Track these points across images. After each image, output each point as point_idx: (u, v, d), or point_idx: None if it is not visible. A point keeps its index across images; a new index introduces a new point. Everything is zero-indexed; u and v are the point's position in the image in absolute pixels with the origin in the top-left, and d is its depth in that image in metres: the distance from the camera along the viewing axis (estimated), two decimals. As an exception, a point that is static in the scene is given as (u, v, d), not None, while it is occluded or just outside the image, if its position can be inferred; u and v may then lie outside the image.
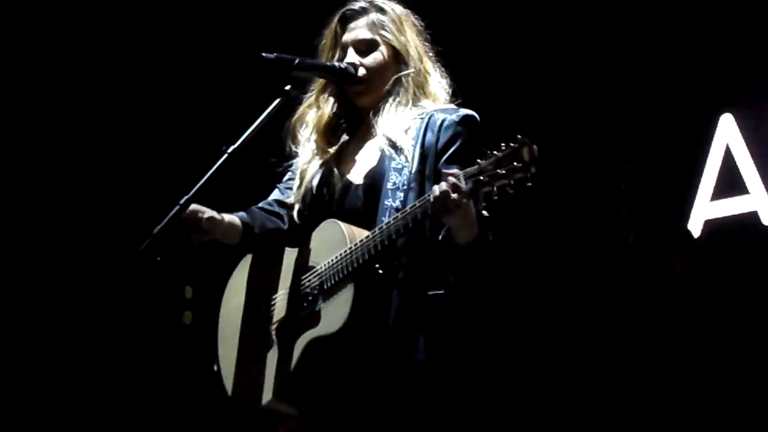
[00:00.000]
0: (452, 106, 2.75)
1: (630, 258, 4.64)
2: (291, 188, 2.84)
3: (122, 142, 4.77)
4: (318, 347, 2.57)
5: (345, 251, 2.55)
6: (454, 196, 2.39)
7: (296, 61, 2.70)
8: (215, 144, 2.66)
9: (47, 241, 4.68)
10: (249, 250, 2.85)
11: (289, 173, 2.89)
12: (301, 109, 2.85)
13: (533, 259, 4.68)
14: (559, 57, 4.71)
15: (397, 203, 2.59)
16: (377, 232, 2.51)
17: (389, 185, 2.63)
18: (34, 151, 4.70)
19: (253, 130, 2.64)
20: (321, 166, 2.79)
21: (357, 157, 2.78)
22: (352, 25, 2.79)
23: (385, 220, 2.54)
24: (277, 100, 2.69)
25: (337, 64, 2.77)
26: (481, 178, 2.36)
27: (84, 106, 4.76)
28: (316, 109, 2.83)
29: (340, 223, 2.61)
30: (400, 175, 2.63)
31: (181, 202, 2.56)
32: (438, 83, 2.79)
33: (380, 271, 2.54)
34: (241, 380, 2.73)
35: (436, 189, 2.42)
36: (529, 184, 2.34)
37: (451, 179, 2.40)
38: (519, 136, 2.35)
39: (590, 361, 4.61)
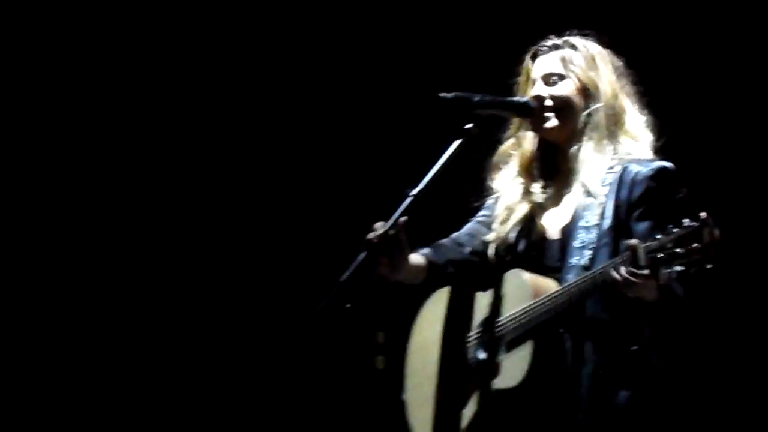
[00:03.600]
0: (649, 155, 2.70)
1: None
2: (487, 223, 2.83)
3: (308, 193, 4.83)
4: (497, 399, 2.58)
5: (528, 306, 2.56)
6: (633, 279, 2.38)
7: (475, 99, 2.66)
8: (398, 188, 2.65)
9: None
10: (436, 284, 2.84)
11: (485, 210, 2.87)
12: (502, 147, 2.86)
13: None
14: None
15: (585, 261, 2.57)
16: (561, 291, 2.52)
17: (576, 243, 2.61)
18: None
19: (436, 171, 2.62)
20: (526, 209, 2.77)
21: (555, 209, 2.76)
22: (542, 59, 2.79)
23: (570, 278, 2.53)
24: (459, 140, 2.65)
25: (517, 98, 2.76)
26: (660, 256, 2.33)
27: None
28: (517, 147, 2.83)
29: (526, 275, 2.61)
30: (589, 232, 2.60)
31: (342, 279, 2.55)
32: (635, 120, 2.73)
33: (562, 332, 2.53)
34: (427, 414, 2.74)
35: (615, 273, 2.40)
36: (710, 266, 2.30)
37: (627, 269, 2.38)
38: (702, 215, 2.31)
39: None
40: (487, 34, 4.63)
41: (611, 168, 2.66)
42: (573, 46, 2.78)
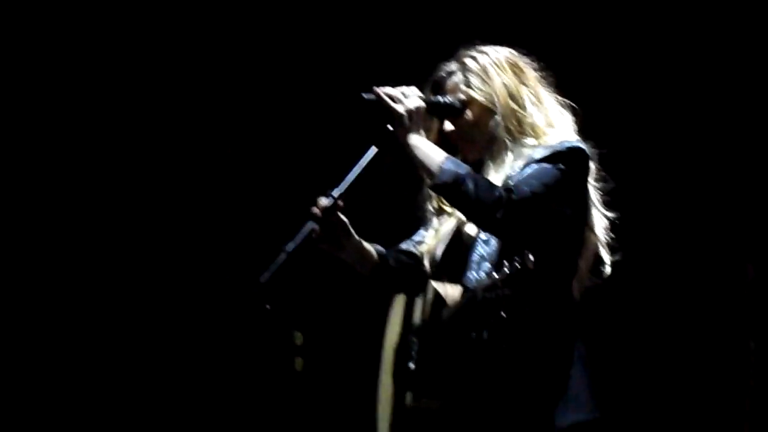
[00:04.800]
0: (564, 138, 2.64)
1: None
2: (422, 240, 2.83)
3: (228, 188, 4.82)
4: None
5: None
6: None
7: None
8: (322, 187, 2.64)
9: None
10: (379, 284, 2.82)
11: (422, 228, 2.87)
12: None
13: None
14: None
15: (482, 275, 2.54)
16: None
17: (474, 257, 2.60)
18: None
19: (357, 172, 2.60)
20: (453, 222, 2.74)
21: None
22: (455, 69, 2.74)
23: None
24: (370, 153, 2.63)
25: (441, 99, 2.69)
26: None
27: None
28: None
29: (438, 287, 2.56)
30: (488, 245, 2.58)
31: (289, 250, 2.52)
32: (539, 114, 2.66)
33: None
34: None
35: None
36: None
37: None
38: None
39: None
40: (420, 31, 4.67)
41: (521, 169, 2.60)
42: (464, 65, 2.70)
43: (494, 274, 2.36)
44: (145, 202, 4.78)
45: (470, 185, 2.47)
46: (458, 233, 2.71)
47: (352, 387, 2.85)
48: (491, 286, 2.35)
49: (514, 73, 2.68)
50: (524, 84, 2.68)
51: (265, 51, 4.82)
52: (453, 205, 2.63)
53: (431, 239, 2.79)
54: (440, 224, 2.79)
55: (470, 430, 2.47)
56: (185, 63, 4.81)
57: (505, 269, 2.33)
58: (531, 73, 2.72)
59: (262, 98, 4.82)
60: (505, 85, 2.65)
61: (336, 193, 2.58)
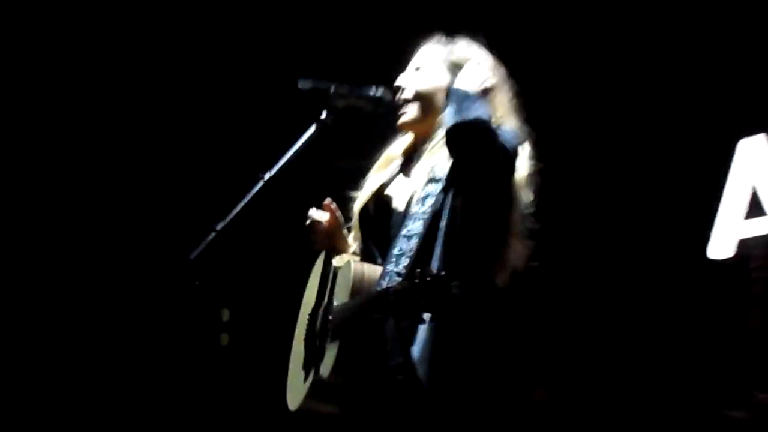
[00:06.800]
0: None
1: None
2: None
3: (159, 166, 4.84)
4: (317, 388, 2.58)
5: (344, 302, 2.54)
6: None
7: (332, 90, 2.73)
8: (253, 171, 2.70)
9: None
10: None
11: None
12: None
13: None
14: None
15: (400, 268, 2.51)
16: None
17: (395, 250, 2.56)
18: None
19: (289, 157, 2.69)
20: (380, 181, 2.82)
21: (405, 180, 2.77)
22: (423, 49, 2.79)
23: (383, 283, 2.49)
24: (312, 128, 2.72)
25: (373, 90, 2.75)
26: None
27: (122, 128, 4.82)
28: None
29: (355, 267, 2.56)
30: (410, 241, 2.54)
31: (218, 228, 2.60)
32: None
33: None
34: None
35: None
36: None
37: None
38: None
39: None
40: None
41: None
42: (445, 49, 2.75)
43: (407, 280, 2.35)
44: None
45: None
46: (382, 192, 2.76)
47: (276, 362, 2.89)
48: (401, 291, 2.32)
49: (489, 76, 2.68)
50: (492, 87, 2.69)
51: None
52: None
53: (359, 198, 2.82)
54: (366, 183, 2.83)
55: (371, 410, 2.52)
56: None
57: (416, 278, 2.30)
58: (503, 81, 2.76)
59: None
60: (473, 79, 2.64)
61: (267, 176, 2.66)
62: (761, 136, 4.44)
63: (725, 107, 4.51)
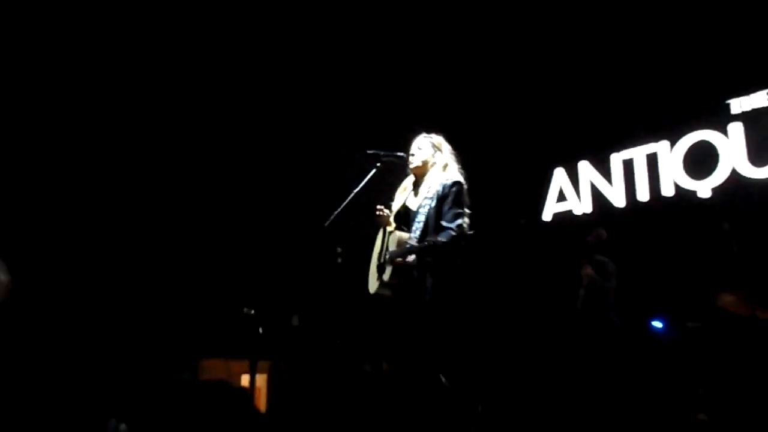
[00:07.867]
0: (455, 176, 5.41)
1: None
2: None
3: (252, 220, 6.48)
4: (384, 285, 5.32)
5: (393, 249, 5.30)
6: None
7: (381, 153, 5.51)
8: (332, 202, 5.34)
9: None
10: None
11: None
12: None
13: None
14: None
15: (416, 235, 5.28)
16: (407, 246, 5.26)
17: (414, 225, 5.33)
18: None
19: (360, 188, 5.41)
20: (404, 197, 5.54)
21: (417, 197, 5.46)
22: (417, 140, 5.61)
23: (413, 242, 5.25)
24: (372, 172, 5.47)
25: (399, 153, 5.59)
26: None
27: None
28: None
29: (398, 234, 5.35)
30: (419, 220, 5.31)
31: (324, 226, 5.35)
32: (450, 162, 5.49)
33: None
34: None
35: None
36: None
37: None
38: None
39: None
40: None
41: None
42: (430, 138, 5.55)
43: (422, 241, 5.15)
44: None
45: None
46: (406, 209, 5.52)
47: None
48: (417, 248, 5.10)
49: (443, 147, 5.57)
50: (439, 150, 5.58)
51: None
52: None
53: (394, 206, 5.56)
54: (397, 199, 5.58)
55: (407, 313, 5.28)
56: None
57: (426, 242, 5.09)
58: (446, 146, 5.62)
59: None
60: (442, 150, 5.55)
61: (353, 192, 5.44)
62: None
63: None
